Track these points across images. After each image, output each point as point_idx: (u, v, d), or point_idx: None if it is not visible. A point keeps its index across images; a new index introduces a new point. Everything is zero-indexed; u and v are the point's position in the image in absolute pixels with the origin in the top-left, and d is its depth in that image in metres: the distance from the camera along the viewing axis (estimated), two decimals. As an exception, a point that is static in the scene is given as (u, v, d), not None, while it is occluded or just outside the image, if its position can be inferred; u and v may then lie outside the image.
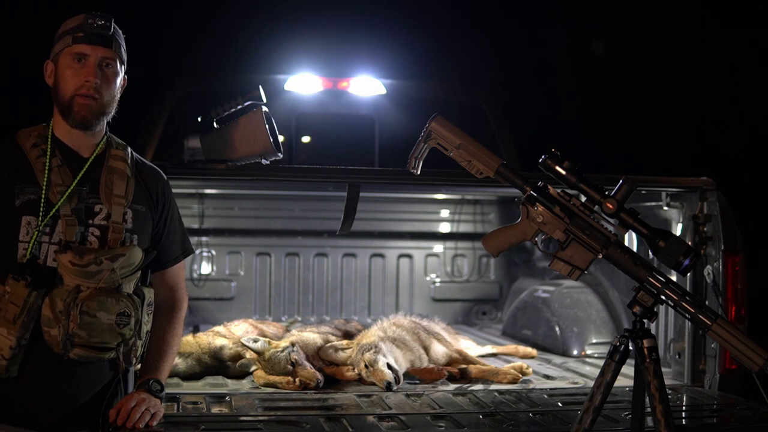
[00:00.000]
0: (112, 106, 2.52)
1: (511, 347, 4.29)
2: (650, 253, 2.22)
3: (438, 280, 5.45)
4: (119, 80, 2.53)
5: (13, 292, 2.35)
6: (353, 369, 3.39)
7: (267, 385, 3.31)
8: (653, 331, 2.31)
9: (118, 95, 2.54)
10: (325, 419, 2.79)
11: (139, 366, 2.78)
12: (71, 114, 2.46)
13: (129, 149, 2.63)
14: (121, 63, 2.53)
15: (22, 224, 2.41)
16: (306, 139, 5.53)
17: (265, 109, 3.18)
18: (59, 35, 2.49)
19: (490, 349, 4.24)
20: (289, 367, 3.30)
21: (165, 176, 2.73)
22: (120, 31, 2.54)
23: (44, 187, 2.42)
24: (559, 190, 2.28)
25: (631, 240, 3.92)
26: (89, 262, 2.37)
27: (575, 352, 4.28)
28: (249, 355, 3.42)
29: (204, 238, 5.13)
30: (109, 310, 2.38)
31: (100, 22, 2.46)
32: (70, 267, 2.37)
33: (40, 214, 2.40)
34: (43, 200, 2.41)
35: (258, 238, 5.22)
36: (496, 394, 3.26)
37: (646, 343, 2.19)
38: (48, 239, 2.41)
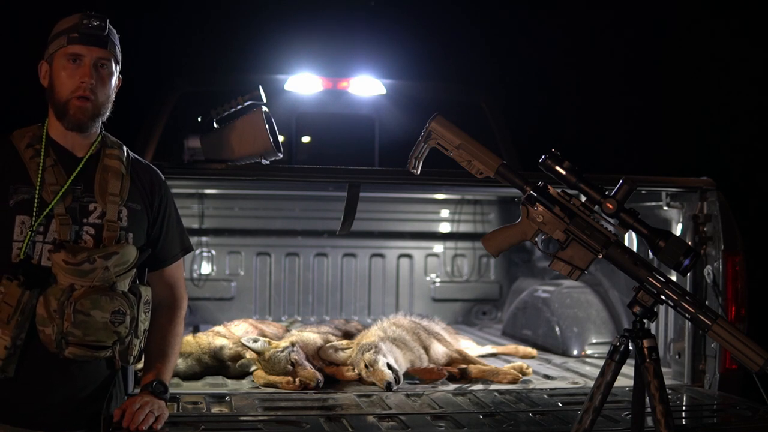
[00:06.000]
0: (107, 107, 2.52)
1: (511, 347, 4.29)
2: (650, 253, 2.22)
3: (438, 280, 5.45)
4: (114, 80, 2.52)
5: (7, 293, 2.35)
6: (353, 369, 3.39)
7: (267, 385, 3.31)
8: (653, 331, 2.31)
9: (113, 95, 2.54)
10: (325, 419, 2.79)
11: (140, 366, 2.78)
12: (67, 116, 2.45)
13: (124, 148, 2.62)
14: (116, 63, 2.53)
15: (16, 224, 2.41)
16: (306, 139, 5.53)
17: (265, 109, 3.18)
18: (54, 35, 2.48)
19: (490, 349, 4.24)
20: (289, 367, 3.30)
21: (162, 174, 2.72)
22: (114, 31, 2.53)
23: (38, 187, 2.42)
24: (559, 190, 2.28)
25: (631, 240, 3.92)
26: (82, 260, 2.37)
27: (575, 352, 4.28)
28: (249, 355, 3.42)
29: (204, 238, 5.13)
30: (104, 308, 2.38)
31: (95, 23, 2.45)
32: (64, 266, 2.36)
33: (34, 213, 2.40)
34: (36, 200, 2.41)
35: (258, 238, 5.22)
36: (496, 394, 3.26)
37: (646, 343, 2.19)
38: (42, 239, 2.41)
